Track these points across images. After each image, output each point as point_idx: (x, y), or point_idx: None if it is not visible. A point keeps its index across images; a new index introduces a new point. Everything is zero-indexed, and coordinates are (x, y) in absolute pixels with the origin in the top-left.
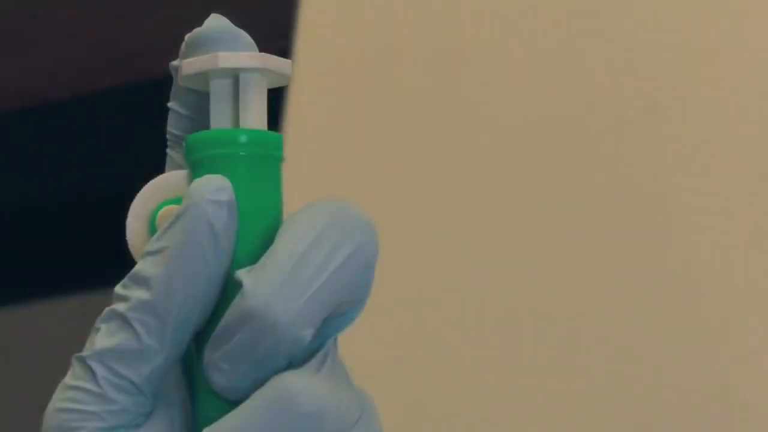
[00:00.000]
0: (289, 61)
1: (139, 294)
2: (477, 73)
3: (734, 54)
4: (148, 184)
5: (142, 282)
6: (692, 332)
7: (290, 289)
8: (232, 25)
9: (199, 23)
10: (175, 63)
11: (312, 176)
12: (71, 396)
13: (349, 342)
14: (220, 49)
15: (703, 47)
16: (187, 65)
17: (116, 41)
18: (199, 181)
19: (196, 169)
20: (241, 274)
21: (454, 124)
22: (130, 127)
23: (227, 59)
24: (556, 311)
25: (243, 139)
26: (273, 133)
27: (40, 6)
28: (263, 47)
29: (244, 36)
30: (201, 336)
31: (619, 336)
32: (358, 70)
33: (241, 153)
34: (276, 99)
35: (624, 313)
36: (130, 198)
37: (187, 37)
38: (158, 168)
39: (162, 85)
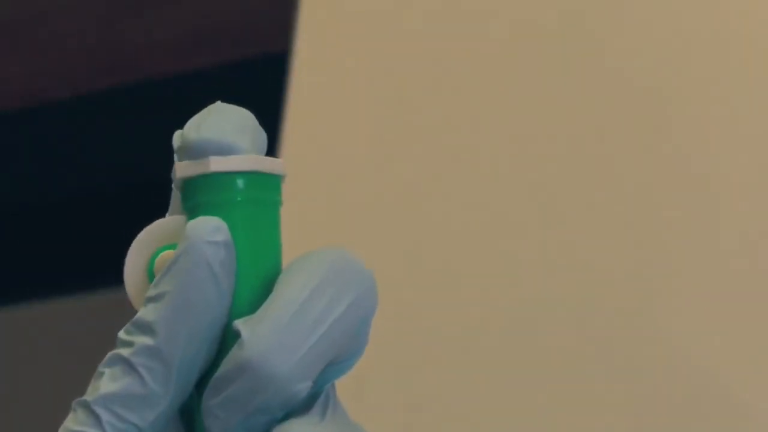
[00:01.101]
0: (280, 160)
1: (142, 339)
2: (477, 72)
3: (735, 54)
4: (143, 231)
5: (146, 327)
6: (692, 332)
7: (287, 342)
8: (233, 117)
9: (199, 24)
10: (175, 139)
11: (311, 176)
12: None
13: None
14: (213, 151)
15: (704, 47)
16: (180, 169)
17: (116, 41)
18: (194, 223)
19: (193, 214)
20: (239, 324)
21: (455, 124)
22: (131, 127)
23: (219, 164)
24: (556, 312)
25: (240, 184)
26: (271, 176)
27: (40, 6)
28: (263, 47)
29: (245, 131)
30: (202, 381)
31: (619, 336)
32: (358, 70)
33: (238, 198)
34: (276, 99)
35: (624, 314)
36: (130, 198)
37: (184, 133)
38: (157, 168)
39: (162, 85)
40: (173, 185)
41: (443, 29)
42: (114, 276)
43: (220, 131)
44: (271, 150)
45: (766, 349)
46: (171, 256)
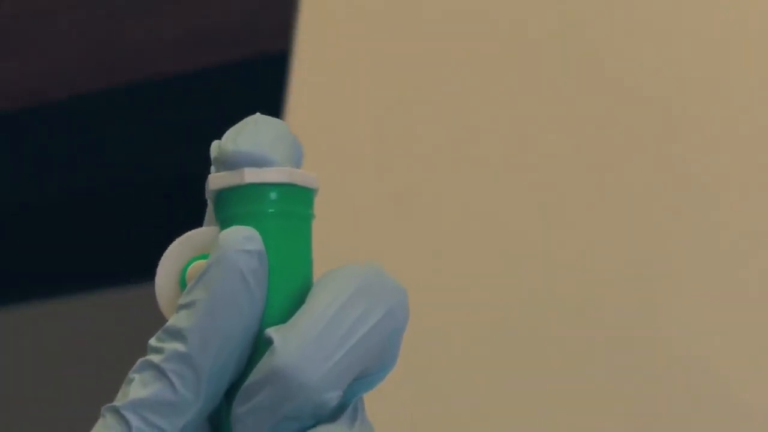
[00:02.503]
0: (314, 174)
1: (174, 346)
2: (477, 72)
3: (735, 56)
4: (175, 241)
5: (177, 334)
6: (692, 332)
7: (319, 352)
8: (270, 129)
9: (199, 24)
10: (212, 149)
11: None
12: None
13: None
14: (248, 163)
15: (703, 49)
16: (214, 180)
17: (116, 41)
18: (227, 232)
19: (226, 226)
20: (271, 331)
21: (455, 124)
22: (131, 127)
23: (253, 175)
24: (557, 312)
25: (273, 196)
26: (304, 189)
27: (40, 6)
28: (263, 47)
29: (281, 144)
30: (231, 389)
31: (619, 336)
32: (357, 70)
33: (270, 210)
34: (276, 99)
35: (625, 314)
36: (130, 198)
37: (221, 144)
38: (157, 167)
39: (162, 85)
40: (207, 196)
41: (443, 30)
42: (114, 276)
43: (256, 143)
44: None
45: (766, 349)
46: (203, 265)
